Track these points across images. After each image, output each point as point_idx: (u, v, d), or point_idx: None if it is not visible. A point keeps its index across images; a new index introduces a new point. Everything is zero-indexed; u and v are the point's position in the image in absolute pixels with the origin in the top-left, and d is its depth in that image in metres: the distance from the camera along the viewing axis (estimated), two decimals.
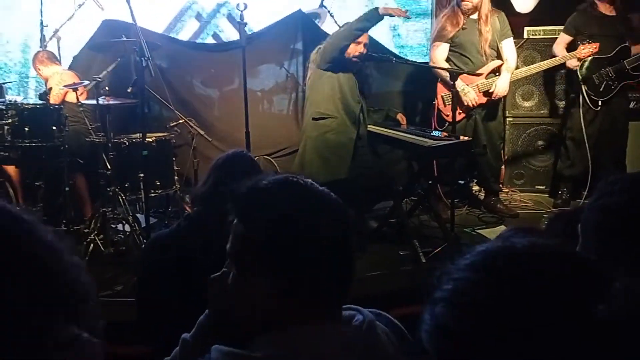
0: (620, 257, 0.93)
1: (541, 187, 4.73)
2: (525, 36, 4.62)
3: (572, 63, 4.10)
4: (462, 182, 4.61)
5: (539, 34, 4.61)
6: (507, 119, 4.74)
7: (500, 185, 4.55)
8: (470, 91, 3.97)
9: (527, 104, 4.75)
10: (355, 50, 3.50)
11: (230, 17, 4.91)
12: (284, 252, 0.85)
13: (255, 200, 0.90)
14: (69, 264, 0.82)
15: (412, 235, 3.44)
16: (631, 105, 4.42)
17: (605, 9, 4.07)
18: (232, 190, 0.93)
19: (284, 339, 0.86)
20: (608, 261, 0.94)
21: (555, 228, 1.40)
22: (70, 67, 4.21)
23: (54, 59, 4.09)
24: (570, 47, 4.15)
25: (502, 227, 3.85)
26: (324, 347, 0.85)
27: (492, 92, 3.98)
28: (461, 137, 3.41)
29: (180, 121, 3.95)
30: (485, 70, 4.01)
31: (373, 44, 4.23)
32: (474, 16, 3.96)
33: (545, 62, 4.16)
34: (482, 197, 4.41)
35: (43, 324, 0.75)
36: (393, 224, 3.77)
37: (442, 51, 4.02)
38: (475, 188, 4.59)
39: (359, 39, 3.48)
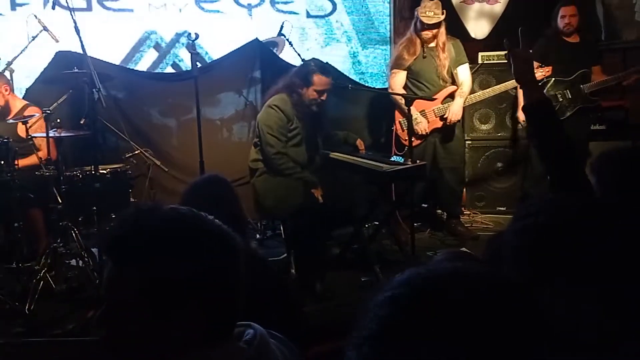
0: (538, 279, 0.93)
1: (502, 209, 4.78)
2: (479, 61, 4.73)
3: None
4: (426, 205, 4.65)
5: (493, 59, 4.72)
6: (466, 142, 4.82)
7: (462, 208, 4.59)
8: (422, 121, 4.03)
9: (484, 127, 4.83)
10: (311, 94, 3.42)
11: (189, 46, 4.90)
12: (165, 292, 0.85)
13: (130, 243, 0.87)
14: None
15: (374, 261, 3.43)
16: (593, 127, 4.50)
17: (570, 37, 4.17)
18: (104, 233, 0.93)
19: None
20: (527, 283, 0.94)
21: (490, 251, 1.40)
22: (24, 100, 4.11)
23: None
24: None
25: (464, 249, 3.86)
26: None
27: (447, 117, 4.04)
28: (417, 161, 3.44)
29: (136, 152, 3.89)
30: (440, 95, 4.08)
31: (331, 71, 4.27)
32: (432, 44, 4.06)
33: (497, 86, 4.26)
34: (444, 220, 4.43)
35: None
36: (355, 249, 3.76)
37: (400, 79, 4.09)
38: (439, 211, 4.61)
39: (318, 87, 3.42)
